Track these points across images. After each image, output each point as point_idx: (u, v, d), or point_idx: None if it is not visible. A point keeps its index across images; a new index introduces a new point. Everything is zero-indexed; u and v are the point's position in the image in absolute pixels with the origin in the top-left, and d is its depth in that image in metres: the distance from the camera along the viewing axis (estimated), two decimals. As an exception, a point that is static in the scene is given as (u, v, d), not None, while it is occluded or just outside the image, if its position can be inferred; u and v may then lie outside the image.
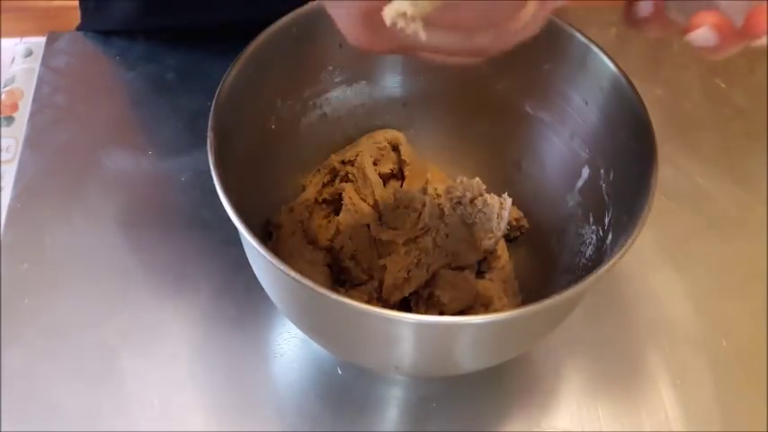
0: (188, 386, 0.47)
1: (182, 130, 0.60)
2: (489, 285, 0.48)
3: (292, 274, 0.34)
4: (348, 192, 0.51)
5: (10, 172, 1.07)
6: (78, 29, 0.67)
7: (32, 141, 0.59)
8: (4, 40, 1.38)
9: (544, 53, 0.47)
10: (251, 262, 0.42)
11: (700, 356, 0.51)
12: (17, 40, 1.39)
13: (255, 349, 0.49)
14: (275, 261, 0.34)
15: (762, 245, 0.56)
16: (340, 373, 0.49)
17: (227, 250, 0.53)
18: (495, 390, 0.49)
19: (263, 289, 0.43)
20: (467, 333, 0.38)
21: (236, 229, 0.36)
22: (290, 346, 0.50)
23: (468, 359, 0.41)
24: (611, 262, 0.36)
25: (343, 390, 0.48)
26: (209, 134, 0.39)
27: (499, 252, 0.50)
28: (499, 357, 0.43)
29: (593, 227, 0.46)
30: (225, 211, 0.36)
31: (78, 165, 0.58)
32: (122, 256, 0.53)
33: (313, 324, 0.42)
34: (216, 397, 0.47)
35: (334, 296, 0.34)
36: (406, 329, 0.37)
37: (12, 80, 1.33)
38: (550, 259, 0.50)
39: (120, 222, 0.55)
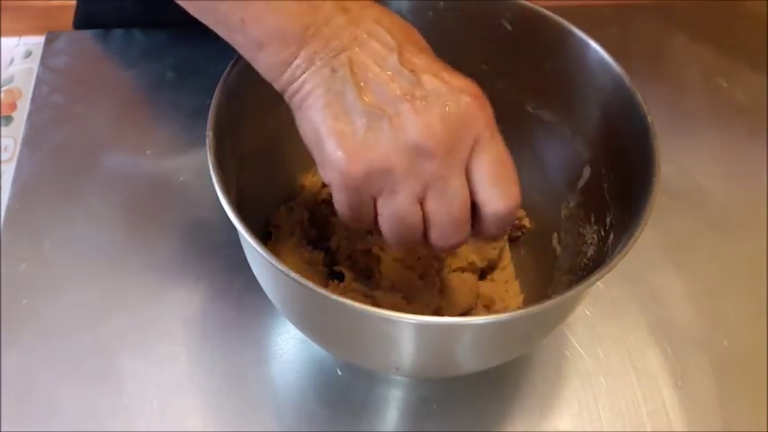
0: (187, 386, 0.47)
1: (180, 129, 0.59)
2: (491, 286, 0.48)
3: (292, 274, 0.34)
4: None
5: (9, 172, 1.07)
6: (75, 25, 0.67)
7: (31, 141, 0.59)
8: (3, 40, 1.38)
9: (545, 52, 0.46)
10: (250, 262, 0.41)
11: (701, 357, 0.50)
12: (16, 41, 1.39)
13: (254, 350, 0.49)
14: (274, 261, 0.34)
15: (763, 244, 0.56)
16: (339, 373, 0.48)
17: (225, 250, 0.52)
18: (496, 390, 0.49)
19: (262, 289, 0.42)
20: (467, 334, 0.37)
21: (235, 229, 0.36)
22: (290, 347, 0.49)
23: (468, 360, 0.41)
24: (612, 262, 0.35)
25: (343, 390, 0.48)
26: (208, 134, 0.38)
27: (501, 253, 0.50)
28: (500, 358, 0.43)
29: (595, 227, 0.46)
30: (224, 211, 0.36)
31: (77, 164, 0.58)
32: (121, 255, 0.53)
33: (312, 325, 0.42)
34: (215, 397, 0.47)
35: (334, 297, 0.33)
36: (407, 330, 0.36)
37: (10, 80, 1.33)
38: (552, 259, 0.50)
39: (119, 222, 0.54)
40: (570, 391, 0.49)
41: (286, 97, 0.35)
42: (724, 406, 0.48)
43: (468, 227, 0.35)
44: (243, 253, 0.41)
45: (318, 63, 0.33)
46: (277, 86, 0.35)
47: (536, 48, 0.47)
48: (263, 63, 0.34)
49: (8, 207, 0.55)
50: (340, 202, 0.35)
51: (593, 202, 0.46)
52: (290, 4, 0.33)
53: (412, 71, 0.33)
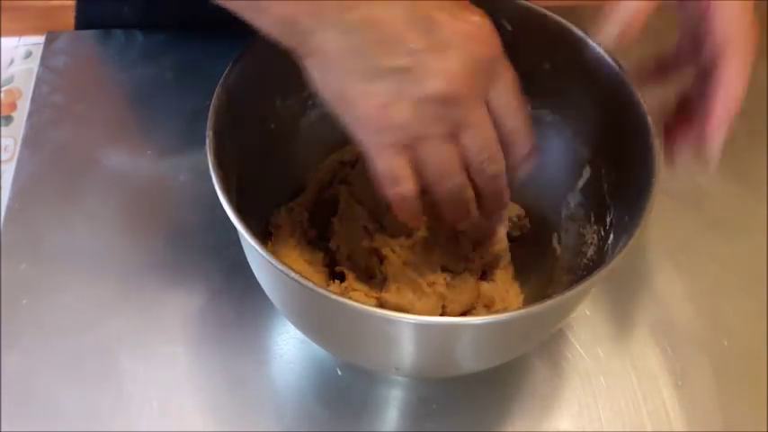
0: (187, 387, 0.47)
1: (180, 129, 0.59)
2: (491, 286, 0.48)
3: (292, 274, 0.34)
4: (344, 194, 0.50)
5: (9, 171, 1.07)
6: (77, 27, 0.67)
7: (31, 141, 0.59)
8: (3, 40, 1.38)
9: (544, 52, 0.46)
10: (250, 263, 0.41)
11: (701, 357, 0.50)
12: (16, 41, 1.39)
13: (254, 350, 0.49)
14: (275, 262, 0.34)
15: (763, 244, 0.56)
16: (339, 373, 0.48)
17: (225, 250, 0.52)
18: (496, 390, 0.49)
19: (261, 290, 0.42)
20: (467, 334, 0.37)
21: (235, 229, 0.36)
22: (289, 347, 0.49)
23: (468, 360, 0.41)
24: (612, 262, 0.36)
25: (343, 391, 0.48)
26: (208, 134, 0.38)
27: (501, 252, 0.50)
28: (500, 358, 0.43)
29: (595, 227, 0.46)
30: (224, 211, 0.36)
31: (76, 164, 0.58)
32: (121, 256, 0.53)
33: (313, 325, 0.42)
34: (215, 397, 0.47)
35: (334, 296, 0.33)
36: (406, 330, 0.36)
37: (10, 80, 1.33)
38: (552, 259, 0.50)
39: (119, 222, 0.54)
40: (570, 392, 0.49)
41: (298, 55, 0.34)
42: (724, 406, 0.48)
43: (501, 154, 0.37)
44: (243, 253, 0.41)
45: (331, 20, 0.32)
46: (287, 45, 0.34)
47: (536, 47, 0.47)
48: (269, 22, 0.33)
49: (8, 207, 0.55)
50: (377, 163, 0.35)
51: (593, 202, 0.46)
52: None
53: (426, 17, 0.32)
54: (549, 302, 0.35)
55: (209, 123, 0.39)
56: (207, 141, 0.38)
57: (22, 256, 0.52)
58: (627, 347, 0.51)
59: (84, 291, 0.51)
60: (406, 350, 0.39)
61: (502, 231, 0.50)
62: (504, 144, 0.37)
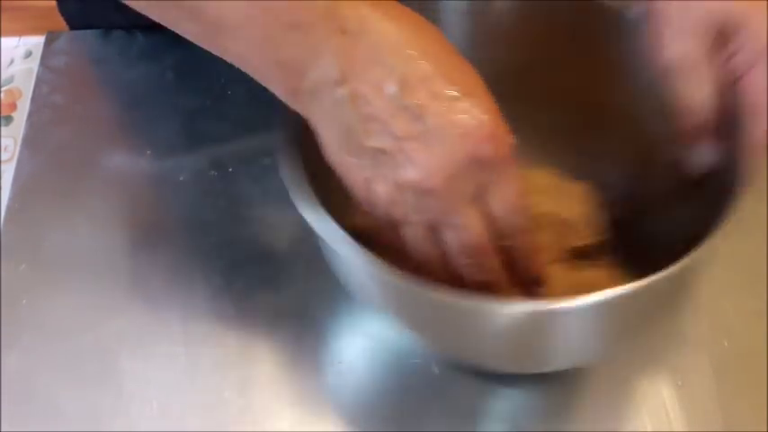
0: (187, 387, 0.47)
1: (180, 130, 0.59)
2: (593, 274, 0.47)
3: (406, 281, 0.33)
4: None
5: (9, 171, 1.07)
6: (72, 27, 0.67)
7: (31, 141, 0.59)
8: (3, 40, 1.38)
9: (603, 41, 0.46)
10: (338, 266, 0.40)
11: (701, 357, 0.50)
12: (16, 41, 1.40)
13: (254, 350, 0.49)
14: (380, 266, 0.33)
15: (763, 244, 0.56)
16: (340, 373, 0.48)
17: (225, 250, 0.52)
18: (497, 394, 0.48)
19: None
20: (569, 319, 0.36)
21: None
22: (289, 347, 0.49)
23: (565, 352, 0.40)
24: (719, 231, 0.35)
25: (345, 390, 0.48)
26: (283, 137, 0.38)
27: (595, 240, 0.49)
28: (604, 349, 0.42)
29: (689, 207, 0.45)
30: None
31: (76, 164, 0.58)
32: (121, 256, 0.53)
33: (410, 320, 0.41)
34: (215, 397, 0.47)
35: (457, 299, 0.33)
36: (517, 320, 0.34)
37: (10, 80, 1.33)
38: (646, 244, 0.47)
39: (119, 222, 0.54)
40: (570, 392, 0.49)
41: (305, 118, 0.35)
42: (724, 406, 0.48)
43: (491, 258, 0.36)
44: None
45: (321, 96, 0.33)
46: (294, 109, 0.35)
47: (596, 37, 0.46)
48: (274, 91, 0.35)
49: (8, 207, 0.55)
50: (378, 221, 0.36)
51: (684, 183, 0.45)
52: (282, 33, 0.32)
53: (417, 105, 0.31)
54: (672, 269, 0.32)
55: (283, 128, 0.38)
56: (279, 145, 0.37)
57: (22, 256, 0.52)
58: (627, 347, 0.51)
59: (84, 291, 0.51)
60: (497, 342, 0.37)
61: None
62: (506, 258, 0.36)
